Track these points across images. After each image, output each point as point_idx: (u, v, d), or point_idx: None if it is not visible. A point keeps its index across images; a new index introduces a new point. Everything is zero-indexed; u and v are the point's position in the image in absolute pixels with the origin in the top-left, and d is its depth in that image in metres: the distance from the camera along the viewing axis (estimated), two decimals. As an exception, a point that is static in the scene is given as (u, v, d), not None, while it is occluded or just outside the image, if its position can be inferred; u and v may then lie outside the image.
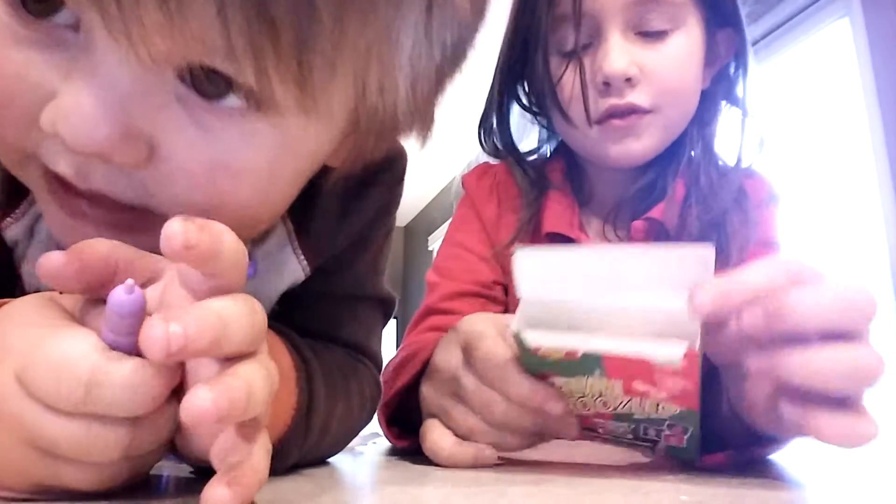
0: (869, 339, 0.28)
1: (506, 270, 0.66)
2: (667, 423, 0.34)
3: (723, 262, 0.57)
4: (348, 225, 0.45)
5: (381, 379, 0.48)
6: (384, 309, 0.50)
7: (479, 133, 0.72)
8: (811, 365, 0.27)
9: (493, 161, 0.74)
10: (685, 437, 0.35)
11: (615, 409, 0.34)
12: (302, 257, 0.43)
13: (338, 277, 0.46)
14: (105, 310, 0.22)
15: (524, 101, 0.69)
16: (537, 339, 0.31)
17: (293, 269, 0.43)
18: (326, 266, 0.45)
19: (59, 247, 0.36)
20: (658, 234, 0.62)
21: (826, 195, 1.76)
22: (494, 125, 0.70)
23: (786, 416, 0.29)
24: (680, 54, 0.58)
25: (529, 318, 0.32)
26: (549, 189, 0.66)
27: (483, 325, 0.38)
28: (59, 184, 0.28)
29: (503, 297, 0.67)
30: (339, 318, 0.46)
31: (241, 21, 0.23)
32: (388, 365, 0.52)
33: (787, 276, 0.29)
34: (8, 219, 0.35)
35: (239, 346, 0.22)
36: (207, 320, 0.21)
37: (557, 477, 0.35)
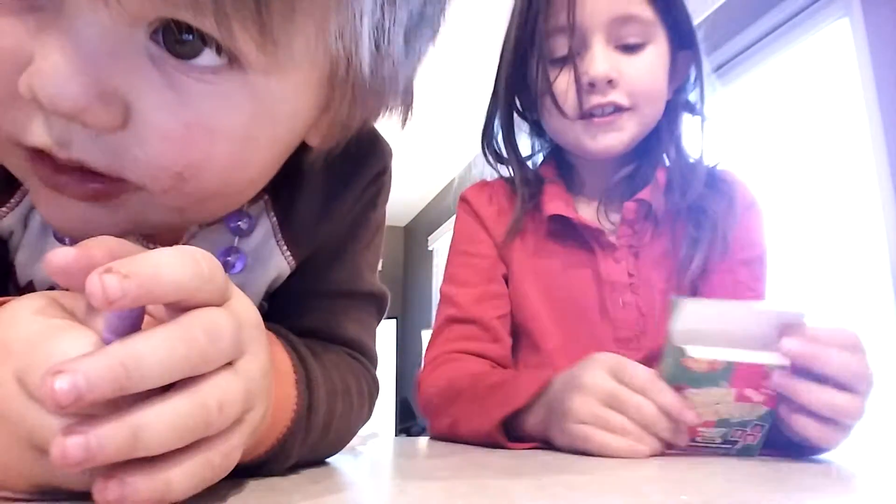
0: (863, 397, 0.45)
1: (506, 260, 0.76)
2: (752, 423, 0.47)
3: (710, 239, 0.71)
4: (333, 216, 0.45)
5: (443, 394, 0.57)
6: (378, 305, 0.51)
7: (483, 143, 0.82)
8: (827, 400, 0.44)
9: (489, 174, 0.83)
10: (760, 434, 0.47)
11: (722, 415, 0.46)
12: (286, 250, 0.44)
13: (331, 274, 0.47)
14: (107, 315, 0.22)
15: (519, 106, 0.79)
16: (695, 351, 0.45)
17: (278, 262, 0.44)
18: (318, 262, 0.46)
19: (57, 237, 0.37)
20: (647, 213, 0.73)
21: (826, 195, 1.76)
22: (497, 132, 0.80)
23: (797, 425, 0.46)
24: (651, 63, 0.70)
25: (682, 340, 0.45)
26: (545, 183, 0.76)
27: (618, 357, 0.50)
28: (41, 160, 0.28)
29: (507, 290, 0.75)
30: (334, 315, 0.46)
31: None
32: (439, 380, 0.67)
33: (843, 342, 0.45)
34: (2, 209, 0.36)
35: (177, 291, 0.22)
36: (141, 267, 0.21)
37: (558, 477, 0.35)
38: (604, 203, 0.76)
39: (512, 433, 0.55)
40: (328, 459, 0.43)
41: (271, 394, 0.28)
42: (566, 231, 0.74)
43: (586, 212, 0.76)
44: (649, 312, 0.70)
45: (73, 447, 0.19)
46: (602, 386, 0.49)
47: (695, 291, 0.72)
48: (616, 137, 0.70)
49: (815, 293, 1.68)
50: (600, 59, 0.67)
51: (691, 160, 0.76)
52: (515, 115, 0.79)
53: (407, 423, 4.59)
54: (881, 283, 1.52)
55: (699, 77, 0.75)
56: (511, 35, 0.74)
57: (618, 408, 0.48)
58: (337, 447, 0.43)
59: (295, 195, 0.43)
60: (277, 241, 0.44)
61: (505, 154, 0.80)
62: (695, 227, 0.72)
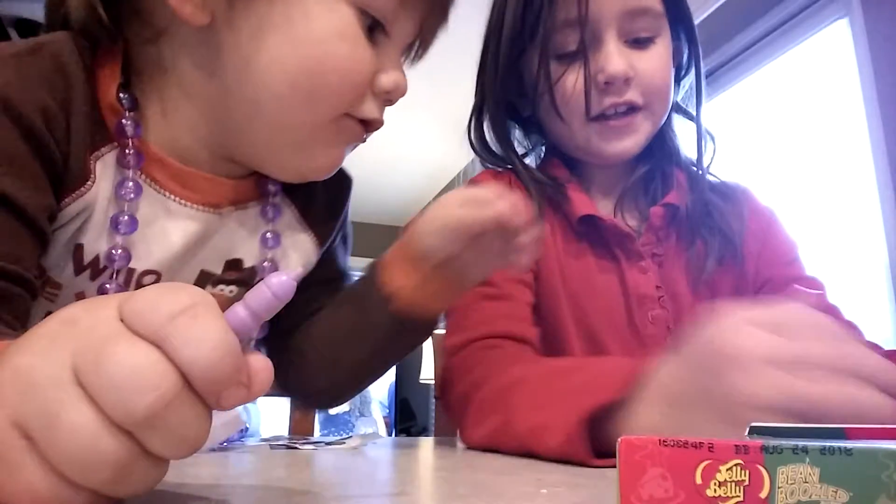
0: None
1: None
2: None
3: (723, 246, 0.68)
4: (337, 218, 0.59)
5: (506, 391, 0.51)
6: None
7: (471, 141, 0.76)
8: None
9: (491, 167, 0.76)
10: None
11: None
12: (310, 229, 0.56)
13: (334, 266, 0.59)
14: (258, 287, 0.23)
15: (516, 105, 0.73)
16: None
17: (304, 241, 0.55)
18: (327, 257, 0.58)
19: (115, 221, 0.45)
20: (675, 216, 0.69)
21: (826, 196, 1.76)
22: (488, 130, 0.74)
23: None
24: (662, 58, 0.66)
25: None
26: (563, 183, 0.70)
27: (743, 308, 0.35)
28: (360, 125, 0.48)
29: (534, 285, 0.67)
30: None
31: None
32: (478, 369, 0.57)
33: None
34: (79, 190, 0.43)
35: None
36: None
37: (558, 477, 0.35)
38: (621, 207, 0.71)
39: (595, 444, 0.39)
40: (328, 459, 0.43)
41: None
42: (591, 234, 0.68)
43: (602, 214, 0.70)
44: (677, 328, 0.64)
45: None
46: (770, 343, 0.32)
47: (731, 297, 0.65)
48: (632, 140, 0.66)
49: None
50: (616, 56, 0.63)
51: (691, 159, 0.73)
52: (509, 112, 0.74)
53: (407, 423, 4.59)
54: (879, 284, 1.52)
55: (697, 74, 0.72)
56: (505, 29, 0.69)
57: (808, 364, 0.31)
58: None
59: (306, 189, 0.55)
60: (300, 223, 0.55)
61: (501, 153, 0.74)
62: (709, 233, 0.68)
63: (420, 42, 0.51)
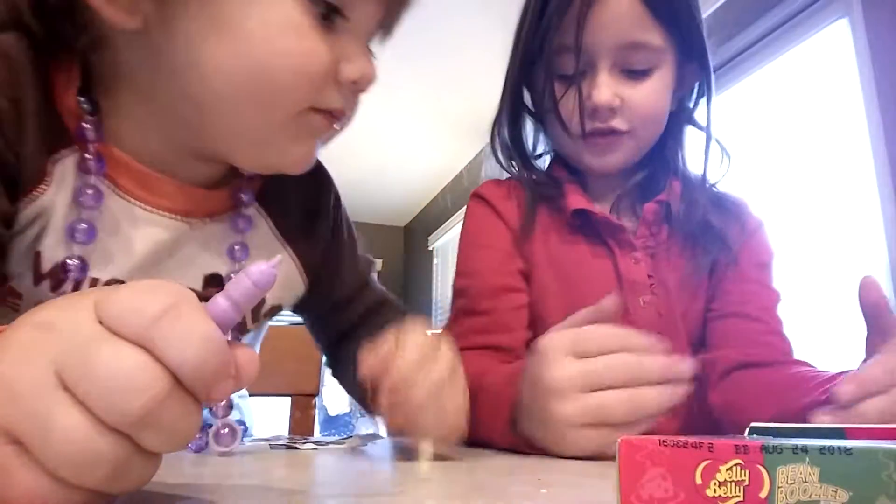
0: None
1: (526, 257, 0.74)
2: None
3: (718, 249, 0.73)
4: (317, 226, 0.58)
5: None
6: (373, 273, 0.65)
7: (492, 144, 0.81)
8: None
9: (500, 174, 0.83)
10: None
11: None
12: (287, 245, 0.54)
13: (341, 278, 0.58)
14: (239, 277, 0.24)
15: (531, 106, 0.79)
16: None
17: (284, 263, 0.53)
18: (325, 273, 0.57)
19: (74, 225, 0.43)
20: (666, 215, 0.74)
21: (826, 196, 1.76)
22: (506, 135, 0.79)
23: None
24: (657, 90, 0.69)
25: None
26: (562, 182, 0.76)
27: (560, 332, 0.48)
28: (326, 118, 0.45)
29: (526, 286, 0.73)
30: (365, 311, 0.59)
31: None
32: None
33: None
34: (39, 188, 0.41)
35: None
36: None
37: (557, 477, 0.35)
38: (616, 210, 0.76)
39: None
40: (328, 459, 0.43)
41: None
42: (586, 228, 0.73)
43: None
44: (667, 313, 0.70)
45: None
46: (570, 373, 0.44)
47: (710, 298, 0.73)
48: (614, 157, 0.71)
49: (814, 294, 1.68)
50: (603, 87, 0.67)
51: (696, 174, 0.77)
52: (525, 113, 0.79)
53: (407, 423, 4.57)
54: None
55: (708, 95, 0.75)
56: (521, 42, 0.74)
57: (603, 383, 0.43)
58: None
59: (280, 201, 0.53)
60: (276, 237, 0.53)
61: (513, 156, 0.80)
62: (703, 236, 0.72)
63: (385, 23, 0.47)
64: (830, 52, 1.79)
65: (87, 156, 0.43)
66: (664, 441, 0.22)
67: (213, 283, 0.50)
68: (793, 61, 1.92)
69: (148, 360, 0.20)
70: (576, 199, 0.73)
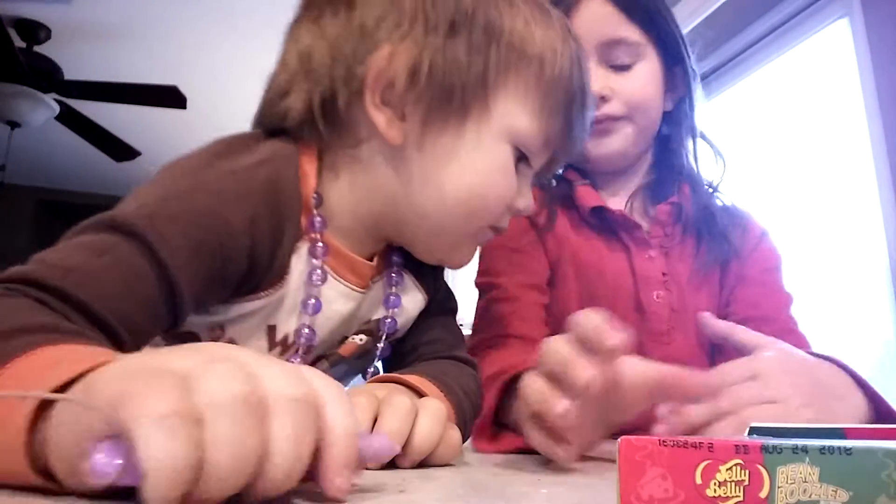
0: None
1: (547, 254, 0.76)
2: None
3: (726, 251, 0.76)
4: (437, 279, 0.64)
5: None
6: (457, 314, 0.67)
7: None
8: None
9: None
10: None
11: None
12: (419, 284, 0.61)
13: (437, 300, 0.63)
14: (378, 434, 0.31)
15: None
16: None
17: (415, 295, 0.61)
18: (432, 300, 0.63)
19: (305, 304, 0.51)
20: (678, 215, 0.77)
21: (826, 196, 1.76)
22: None
23: None
24: (643, 77, 0.75)
25: None
26: (575, 183, 0.79)
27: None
28: (493, 232, 0.56)
29: (545, 284, 0.76)
30: (449, 338, 0.63)
31: None
32: (489, 367, 0.64)
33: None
34: (271, 288, 0.49)
35: None
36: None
37: (557, 477, 0.35)
38: (630, 208, 0.79)
39: None
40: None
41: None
42: (601, 225, 0.77)
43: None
44: (680, 308, 0.74)
45: None
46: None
47: (724, 305, 0.77)
48: (613, 142, 0.75)
49: (814, 294, 1.68)
50: (593, 78, 0.69)
51: (703, 178, 0.81)
52: None
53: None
54: (880, 284, 1.52)
55: (689, 94, 0.79)
56: None
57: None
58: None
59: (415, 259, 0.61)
60: (414, 284, 0.61)
61: None
62: (712, 236, 0.76)
63: (541, 173, 0.60)
64: (830, 51, 1.79)
65: (318, 245, 0.51)
66: (664, 441, 0.22)
67: (367, 325, 0.58)
68: (793, 61, 1.92)
69: None
70: (592, 198, 0.77)
